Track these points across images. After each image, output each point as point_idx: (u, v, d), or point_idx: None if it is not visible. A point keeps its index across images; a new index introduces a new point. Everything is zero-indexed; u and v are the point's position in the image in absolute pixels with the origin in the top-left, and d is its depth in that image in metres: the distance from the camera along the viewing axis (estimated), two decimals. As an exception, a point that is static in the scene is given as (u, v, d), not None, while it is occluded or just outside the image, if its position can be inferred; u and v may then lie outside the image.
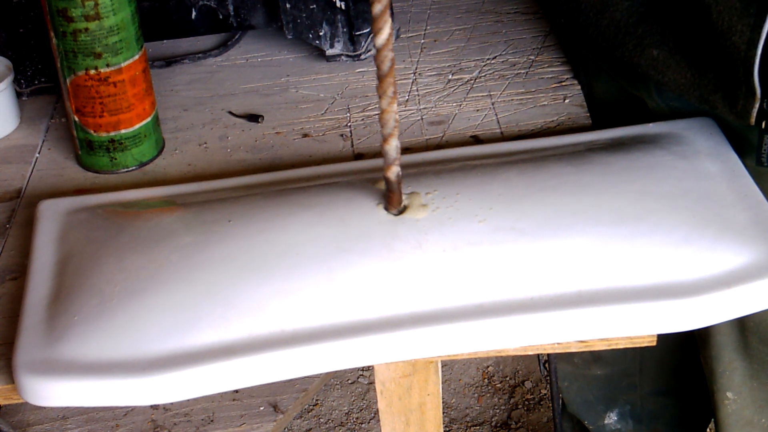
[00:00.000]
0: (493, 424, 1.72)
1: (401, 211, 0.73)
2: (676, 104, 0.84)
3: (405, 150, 0.87)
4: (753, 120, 0.74)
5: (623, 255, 0.69)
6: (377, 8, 0.64)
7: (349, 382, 1.81)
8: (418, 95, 0.95)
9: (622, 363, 1.13)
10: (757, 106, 0.73)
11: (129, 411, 1.10)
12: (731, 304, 0.67)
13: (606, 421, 1.19)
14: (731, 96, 0.74)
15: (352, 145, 0.89)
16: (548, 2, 0.88)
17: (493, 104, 0.93)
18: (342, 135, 0.91)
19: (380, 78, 0.67)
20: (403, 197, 0.73)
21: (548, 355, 1.03)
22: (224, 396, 1.10)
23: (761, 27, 0.69)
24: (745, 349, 0.87)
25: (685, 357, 1.10)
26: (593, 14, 0.82)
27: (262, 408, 1.09)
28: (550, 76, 0.96)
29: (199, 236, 0.73)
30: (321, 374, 1.02)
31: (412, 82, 0.97)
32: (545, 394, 1.76)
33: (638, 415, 1.17)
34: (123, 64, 0.83)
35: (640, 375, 1.13)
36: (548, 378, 1.77)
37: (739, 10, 0.69)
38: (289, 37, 1.00)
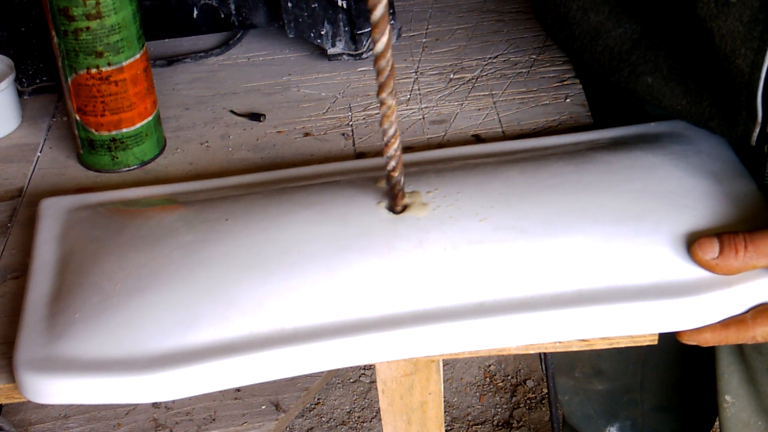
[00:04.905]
0: (494, 423, 1.72)
1: (402, 210, 0.73)
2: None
3: (406, 149, 0.87)
4: (753, 142, 0.73)
5: (624, 254, 0.69)
6: (377, 14, 0.63)
7: (351, 381, 1.81)
8: (420, 94, 0.95)
9: (623, 378, 1.13)
10: (757, 130, 0.72)
11: (131, 410, 1.10)
12: (732, 304, 0.67)
13: None
14: (730, 121, 0.73)
15: (354, 144, 0.89)
16: (545, 27, 0.88)
17: (494, 103, 0.93)
18: (344, 134, 0.91)
19: (380, 84, 0.66)
20: (405, 196, 0.73)
21: (546, 358, 1.03)
22: (226, 395, 1.10)
23: (765, 50, 0.68)
24: (741, 353, 0.87)
25: (686, 373, 1.10)
26: (587, 41, 0.81)
27: (263, 407, 1.09)
28: (551, 75, 0.96)
29: (200, 234, 0.73)
30: (323, 373, 1.02)
31: (414, 82, 0.97)
32: (547, 393, 1.76)
33: (639, 431, 1.17)
34: (124, 63, 0.83)
35: (641, 391, 1.13)
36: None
37: (742, 34, 0.68)
38: (291, 36, 1.00)
